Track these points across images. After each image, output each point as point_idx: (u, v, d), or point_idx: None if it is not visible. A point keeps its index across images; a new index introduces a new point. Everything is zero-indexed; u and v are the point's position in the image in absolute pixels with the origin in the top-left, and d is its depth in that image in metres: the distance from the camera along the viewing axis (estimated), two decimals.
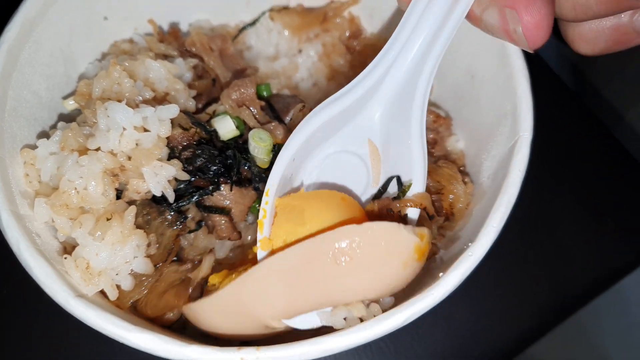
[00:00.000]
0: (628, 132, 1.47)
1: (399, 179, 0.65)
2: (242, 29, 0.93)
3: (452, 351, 0.86)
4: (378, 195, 0.66)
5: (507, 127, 0.67)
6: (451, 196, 0.69)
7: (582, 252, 0.92)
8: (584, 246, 0.93)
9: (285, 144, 0.64)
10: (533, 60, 0.91)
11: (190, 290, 0.63)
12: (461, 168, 0.76)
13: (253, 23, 0.93)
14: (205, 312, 0.60)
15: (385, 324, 0.52)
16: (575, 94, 1.05)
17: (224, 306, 0.59)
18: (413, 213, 0.64)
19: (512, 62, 0.67)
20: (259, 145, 0.68)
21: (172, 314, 0.64)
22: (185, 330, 0.66)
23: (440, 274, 0.56)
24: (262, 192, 0.71)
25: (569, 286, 0.91)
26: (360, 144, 0.69)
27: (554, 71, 1.06)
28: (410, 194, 0.64)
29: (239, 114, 0.72)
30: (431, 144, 0.76)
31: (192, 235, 0.69)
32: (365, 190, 0.68)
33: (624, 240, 0.93)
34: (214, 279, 0.63)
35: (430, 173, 0.71)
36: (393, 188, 0.66)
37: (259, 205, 0.71)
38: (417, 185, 0.64)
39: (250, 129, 0.72)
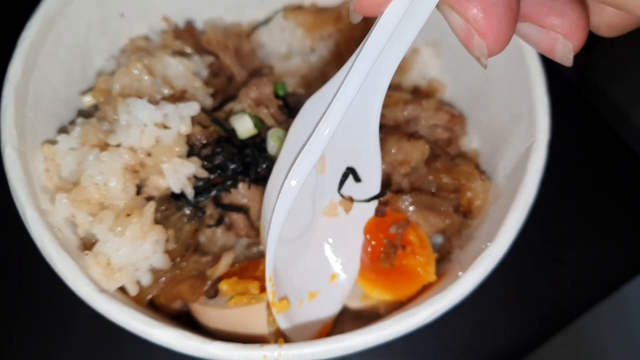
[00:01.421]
0: (633, 133, 1.48)
1: (354, 171, 0.62)
2: (256, 27, 0.93)
3: (454, 356, 0.87)
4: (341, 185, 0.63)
5: (523, 129, 0.67)
6: (469, 193, 0.69)
7: (584, 258, 0.93)
8: (586, 252, 0.93)
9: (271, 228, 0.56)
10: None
11: (206, 288, 0.64)
12: (476, 167, 0.77)
13: (266, 21, 0.93)
14: (208, 318, 0.62)
15: (406, 323, 0.53)
16: (579, 93, 1.05)
17: (228, 322, 0.61)
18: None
19: (528, 64, 0.68)
20: (277, 144, 0.69)
21: (179, 304, 0.65)
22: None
23: (460, 273, 0.56)
24: None
25: (570, 292, 0.91)
26: None
27: (560, 70, 1.06)
28: (368, 193, 0.63)
29: (257, 112, 0.73)
30: (446, 143, 0.77)
31: (210, 231, 0.70)
32: (317, 180, 0.64)
33: (626, 246, 0.94)
34: (223, 286, 0.64)
35: (447, 171, 0.71)
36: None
37: None
38: (375, 185, 0.63)
39: (267, 128, 0.72)
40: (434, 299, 0.54)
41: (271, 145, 0.70)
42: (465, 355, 0.86)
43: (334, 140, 0.51)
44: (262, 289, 0.64)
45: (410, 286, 0.63)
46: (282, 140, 0.69)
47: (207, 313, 0.64)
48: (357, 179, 0.61)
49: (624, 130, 1.07)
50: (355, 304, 0.69)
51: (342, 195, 0.63)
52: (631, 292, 1.02)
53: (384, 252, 0.64)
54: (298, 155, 0.50)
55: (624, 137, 1.01)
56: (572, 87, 1.05)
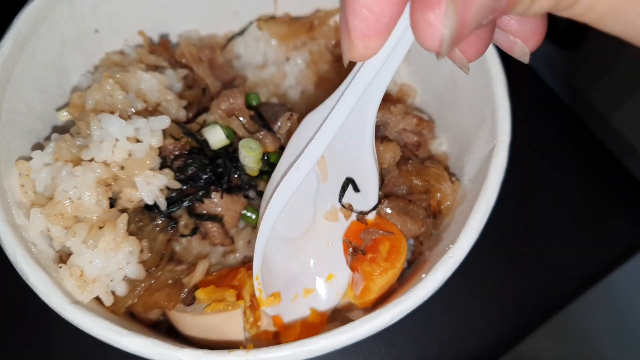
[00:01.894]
0: (611, 133, 1.50)
1: (353, 181, 0.66)
2: (231, 39, 0.95)
3: (441, 350, 0.89)
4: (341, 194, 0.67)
5: (486, 131, 0.69)
6: (439, 195, 0.71)
7: (568, 250, 0.95)
8: (569, 243, 0.95)
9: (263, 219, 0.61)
10: (517, 63, 0.94)
11: (182, 296, 0.65)
12: (445, 169, 0.79)
13: (241, 32, 0.95)
14: (186, 326, 0.64)
15: (370, 325, 0.55)
16: (558, 98, 1.07)
17: (206, 328, 0.63)
18: None
19: (490, 68, 0.70)
20: (249, 154, 0.70)
21: (155, 312, 0.66)
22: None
23: (423, 275, 0.58)
24: (251, 199, 0.74)
25: (556, 283, 0.93)
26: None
27: (538, 74, 1.08)
28: (366, 203, 0.67)
29: (228, 123, 0.74)
30: (415, 147, 0.78)
31: (185, 241, 0.72)
32: (318, 186, 0.68)
33: (608, 237, 0.96)
34: (200, 294, 0.65)
35: (417, 173, 0.73)
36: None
37: (249, 213, 0.74)
38: (373, 196, 0.66)
39: (239, 138, 0.74)
40: (397, 301, 0.56)
41: (243, 155, 0.71)
42: (452, 350, 0.88)
43: (334, 152, 0.59)
44: (239, 297, 0.66)
45: (365, 293, 0.66)
46: (253, 151, 0.71)
47: (185, 320, 0.65)
48: (356, 189, 0.65)
49: (602, 131, 1.10)
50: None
51: (342, 204, 0.67)
52: (615, 281, 1.04)
53: (350, 247, 0.67)
54: (291, 166, 0.55)
55: (601, 138, 1.03)
56: (551, 92, 1.08)
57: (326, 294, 0.70)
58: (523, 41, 0.45)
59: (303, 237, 0.69)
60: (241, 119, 0.75)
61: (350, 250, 0.67)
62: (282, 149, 0.75)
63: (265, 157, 0.74)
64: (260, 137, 0.74)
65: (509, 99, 0.68)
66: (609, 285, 1.01)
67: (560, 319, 0.94)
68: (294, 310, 0.70)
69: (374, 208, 0.68)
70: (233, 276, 0.67)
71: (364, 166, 0.63)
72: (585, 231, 0.96)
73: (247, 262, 0.73)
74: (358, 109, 0.51)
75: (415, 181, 0.72)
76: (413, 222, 0.69)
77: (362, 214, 0.67)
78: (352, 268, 0.68)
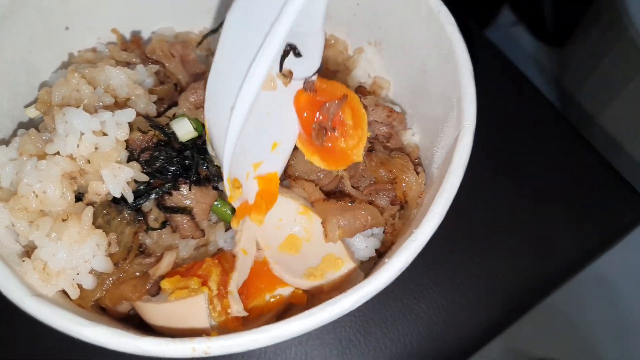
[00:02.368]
0: (596, 130, 1.51)
1: (294, 47, 0.64)
2: (206, 36, 0.95)
3: (423, 339, 0.88)
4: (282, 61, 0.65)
5: (453, 119, 0.69)
6: (404, 185, 0.71)
7: (553, 238, 0.95)
8: (548, 234, 0.96)
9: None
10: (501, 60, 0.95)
11: (148, 287, 0.65)
12: (416, 160, 0.79)
13: (216, 30, 0.95)
14: (152, 315, 0.63)
15: (331, 310, 0.54)
16: (544, 96, 1.08)
17: (170, 316, 0.63)
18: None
19: (457, 56, 0.70)
20: None
21: (125, 306, 0.66)
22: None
23: (386, 259, 0.58)
24: (222, 191, 0.74)
25: (540, 271, 0.93)
26: None
27: (524, 73, 1.09)
28: (308, 68, 0.66)
29: (196, 115, 0.74)
30: (386, 138, 0.78)
31: (156, 234, 0.71)
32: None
33: (591, 226, 0.96)
34: (165, 284, 0.65)
35: (384, 164, 0.73)
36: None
37: (220, 205, 0.74)
38: (316, 59, 0.66)
39: None
40: (360, 285, 0.56)
41: (210, 146, 0.71)
42: (431, 340, 0.88)
43: None
44: (203, 284, 0.65)
45: (340, 163, 0.66)
46: None
47: (150, 309, 0.65)
48: (298, 54, 0.63)
49: (588, 131, 1.10)
50: (302, 283, 0.70)
51: (282, 72, 0.65)
52: (598, 268, 1.04)
53: (314, 131, 0.66)
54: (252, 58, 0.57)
55: (589, 138, 1.04)
56: (540, 94, 1.08)
57: (275, 162, 0.70)
58: None
59: None
60: None
61: (316, 130, 0.65)
62: None
63: None
64: None
65: (474, 85, 0.68)
66: (592, 272, 1.01)
67: (543, 308, 0.94)
68: (251, 188, 0.70)
69: (318, 71, 0.66)
70: (199, 266, 0.66)
71: (312, 32, 0.62)
72: (566, 219, 0.96)
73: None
74: None
75: (380, 172, 0.72)
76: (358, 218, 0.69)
77: (305, 80, 0.65)
78: (325, 149, 0.66)
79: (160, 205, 0.71)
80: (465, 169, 0.63)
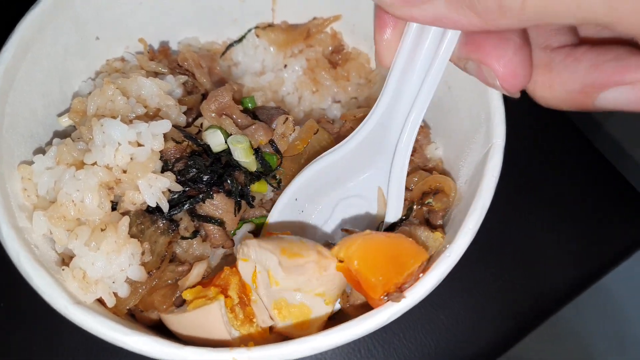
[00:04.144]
0: (604, 137, 1.53)
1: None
2: (230, 46, 0.96)
3: (437, 352, 0.90)
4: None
5: (481, 135, 0.71)
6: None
7: (561, 254, 0.97)
8: (564, 246, 0.97)
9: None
10: None
11: (175, 297, 0.66)
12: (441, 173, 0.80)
13: (240, 40, 0.96)
14: (175, 326, 0.65)
15: (368, 323, 0.55)
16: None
17: (190, 326, 0.63)
18: None
19: None
20: (237, 147, 0.72)
21: (155, 313, 0.67)
22: None
23: (421, 275, 0.59)
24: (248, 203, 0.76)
25: (550, 286, 0.95)
26: (373, 190, 0.75)
27: None
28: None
29: (220, 124, 0.76)
30: (411, 152, 0.80)
31: (186, 243, 0.72)
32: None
33: (601, 240, 0.98)
34: (186, 295, 0.66)
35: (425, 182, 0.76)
36: None
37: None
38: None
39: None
40: None
41: (233, 150, 0.73)
42: (448, 351, 0.90)
43: None
44: (224, 293, 0.66)
45: None
46: (240, 143, 0.73)
47: (172, 320, 0.66)
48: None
49: (596, 137, 1.12)
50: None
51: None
52: (608, 284, 1.05)
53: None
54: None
55: (596, 144, 1.06)
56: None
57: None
58: (502, 81, 0.49)
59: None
60: (234, 116, 0.77)
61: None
62: (271, 142, 0.77)
63: (258, 152, 0.75)
64: (252, 130, 0.75)
65: (504, 104, 0.70)
66: (602, 288, 1.02)
67: (554, 321, 0.95)
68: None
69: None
70: (218, 276, 0.67)
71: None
72: (579, 234, 0.98)
73: None
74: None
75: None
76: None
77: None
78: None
79: (194, 213, 0.72)
80: (495, 186, 0.64)
